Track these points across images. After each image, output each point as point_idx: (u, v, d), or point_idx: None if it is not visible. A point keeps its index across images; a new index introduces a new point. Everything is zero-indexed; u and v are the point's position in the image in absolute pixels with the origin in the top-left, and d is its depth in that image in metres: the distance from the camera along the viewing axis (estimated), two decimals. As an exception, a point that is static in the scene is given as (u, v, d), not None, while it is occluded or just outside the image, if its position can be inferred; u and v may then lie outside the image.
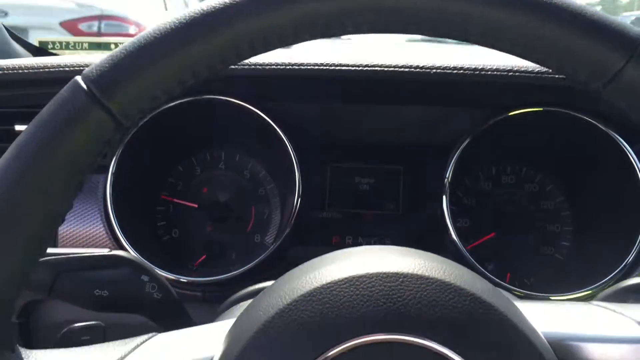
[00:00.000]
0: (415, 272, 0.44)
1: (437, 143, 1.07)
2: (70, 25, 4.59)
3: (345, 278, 0.44)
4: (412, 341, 0.42)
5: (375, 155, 1.13)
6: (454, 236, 0.98)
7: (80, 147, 0.43)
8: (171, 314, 0.69)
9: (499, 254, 1.10)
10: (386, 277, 0.44)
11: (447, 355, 0.42)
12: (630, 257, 0.91)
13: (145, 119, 1.00)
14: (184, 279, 0.98)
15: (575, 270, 1.06)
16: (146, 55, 0.44)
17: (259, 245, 1.13)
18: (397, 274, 0.44)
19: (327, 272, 0.45)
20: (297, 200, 1.00)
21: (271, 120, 1.00)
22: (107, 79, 0.43)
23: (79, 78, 0.43)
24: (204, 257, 1.12)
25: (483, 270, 0.95)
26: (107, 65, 0.43)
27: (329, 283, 0.44)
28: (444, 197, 1.00)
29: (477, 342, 0.42)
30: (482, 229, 1.11)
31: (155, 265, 0.94)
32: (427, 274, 0.44)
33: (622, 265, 0.91)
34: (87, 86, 0.43)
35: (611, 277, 0.91)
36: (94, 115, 0.43)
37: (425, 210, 1.11)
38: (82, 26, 4.64)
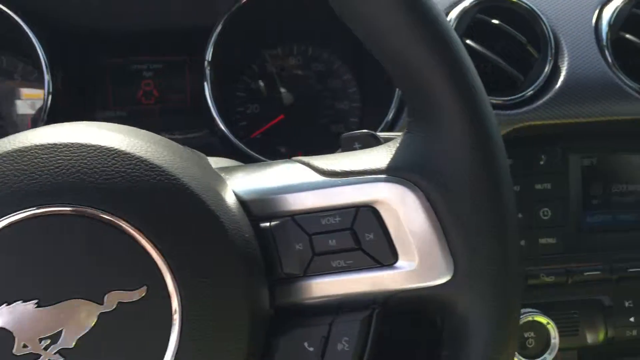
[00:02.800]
0: (74, 142, 0.42)
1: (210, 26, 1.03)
2: None
3: None
4: (65, 211, 0.41)
5: (155, 47, 1.08)
6: (221, 126, 0.96)
7: None
8: None
9: (289, 135, 1.11)
10: (42, 149, 0.42)
11: (113, 221, 0.41)
12: (390, 115, 0.96)
13: None
14: None
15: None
16: None
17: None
18: (54, 144, 0.42)
19: None
20: (47, 99, 0.92)
21: (12, 11, 0.90)
22: None
23: None
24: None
25: (261, 157, 0.94)
26: None
27: None
28: (205, 84, 0.96)
29: (141, 205, 0.42)
30: (273, 113, 1.11)
31: None
32: (87, 142, 0.42)
33: (382, 124, 0.96)
34: None
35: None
36: None
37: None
38: None
